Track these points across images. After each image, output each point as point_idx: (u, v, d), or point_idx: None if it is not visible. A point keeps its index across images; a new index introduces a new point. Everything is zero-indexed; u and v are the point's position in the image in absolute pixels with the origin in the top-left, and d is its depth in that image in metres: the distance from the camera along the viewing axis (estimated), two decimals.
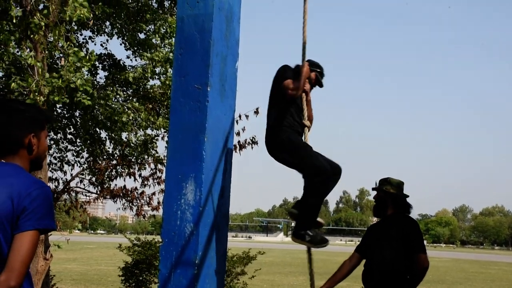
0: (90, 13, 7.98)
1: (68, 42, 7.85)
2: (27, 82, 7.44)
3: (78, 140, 11.42)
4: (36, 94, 7.34)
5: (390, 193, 4.94)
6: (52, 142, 11.14)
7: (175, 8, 10.66)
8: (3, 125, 2.36)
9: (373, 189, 5.11)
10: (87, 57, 7.88)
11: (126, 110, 10.27)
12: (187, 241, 4.05)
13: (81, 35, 11.11)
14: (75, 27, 10.02)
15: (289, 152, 4.63)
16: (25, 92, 7.60)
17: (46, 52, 8.07)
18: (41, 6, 8.05)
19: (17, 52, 8.04)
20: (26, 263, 2.17)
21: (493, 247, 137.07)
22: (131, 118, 10.35)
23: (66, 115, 11.03)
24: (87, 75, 8.00)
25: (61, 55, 8.33)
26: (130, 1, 10.89)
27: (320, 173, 4.48)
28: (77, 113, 10.96)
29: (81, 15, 7.57)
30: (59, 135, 11.23)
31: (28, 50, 7.79)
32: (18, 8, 7.71)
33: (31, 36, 7.60)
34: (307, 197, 4.58)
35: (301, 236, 4.57)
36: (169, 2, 11.14)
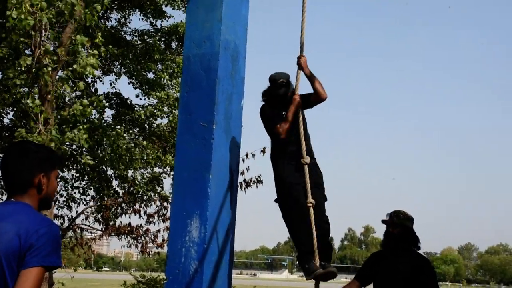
0: (98, 69, 8.20)
1: (74, 87, 8.00)
2: (31, 132, 7.57)
3: (84, 178, 11.46)
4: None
5: (409, 228, 4.53)
6: (58, 179, 11.17)
7: (181, 50, 10.85)
8: (14, 165, 2.42)
9: (391, 223, 4.57)
10: (94, 103, 8.09)
11: (132, 148, 10.31)
12: (191, 279, 4.05)
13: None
14: None
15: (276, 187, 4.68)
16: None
17: (53, 98, 8.20)
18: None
19: (24, 99, 8.17)
20: None
21: (499, 286, 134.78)
22: (137, 155, 10.39)
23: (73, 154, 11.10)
24: (91, 117, 8.17)
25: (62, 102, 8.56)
26: (139, 42, 11.09)
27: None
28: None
29: (91, 73, 7.82)
30: (65, 173, 11.28)
31: (36, 96, 7.91)
32: (28, 51, 7.87)
33: (38, 81, 7.73)
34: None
35: (303, 270, 4.53)
36: (176, 43, 11.33)
